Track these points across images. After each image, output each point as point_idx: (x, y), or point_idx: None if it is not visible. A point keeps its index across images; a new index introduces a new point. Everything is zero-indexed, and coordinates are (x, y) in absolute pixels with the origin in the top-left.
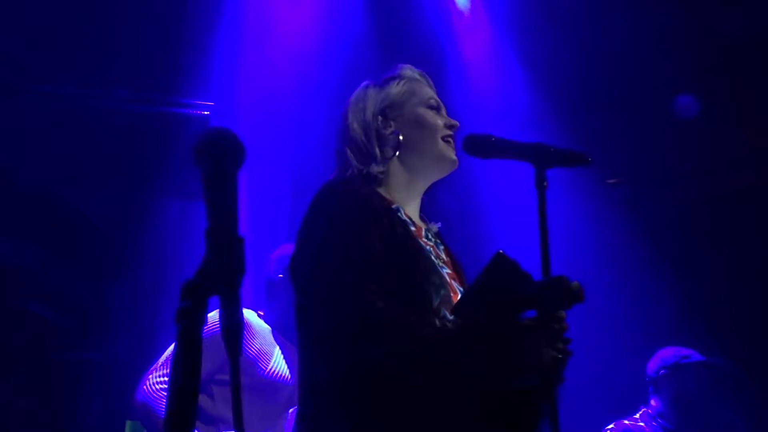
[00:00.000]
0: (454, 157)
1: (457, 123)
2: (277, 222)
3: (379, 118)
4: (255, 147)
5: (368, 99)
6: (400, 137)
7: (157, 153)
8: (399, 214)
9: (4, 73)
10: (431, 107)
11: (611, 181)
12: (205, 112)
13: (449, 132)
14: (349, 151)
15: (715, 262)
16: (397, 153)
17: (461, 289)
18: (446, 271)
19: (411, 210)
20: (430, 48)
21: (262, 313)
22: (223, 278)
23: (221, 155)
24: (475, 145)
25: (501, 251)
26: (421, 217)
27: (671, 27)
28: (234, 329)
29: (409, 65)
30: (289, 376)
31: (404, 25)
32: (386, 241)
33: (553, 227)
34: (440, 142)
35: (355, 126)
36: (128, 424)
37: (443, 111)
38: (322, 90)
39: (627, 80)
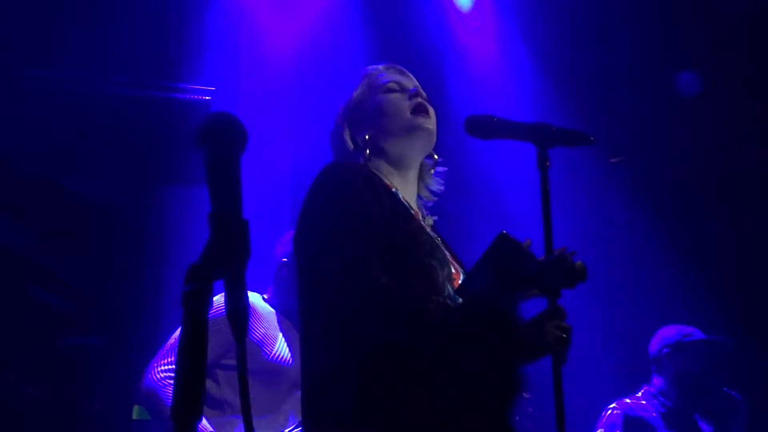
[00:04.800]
0: (422, 123)
1: (422, 92)
2: (279, 206)
3: (347, 130)
4: (256, 131)
5: (340, 117)
6: (366, 137)
7: (159, 138)
8: (398, 196)
9: (5, 59)
10: (390, 90)
11: (614, 159)
12: (207, 98)
13: (415, 101)
14: None
15: (717, 239)
16: (371, 149)
17: (462, 270)
18: (446, 253)
19: (407, 195)
20: (429, 27)
21: (266, 296)
22: (227, 261)
23: (224, 138)
24: (477, 126)
25: (504, 231)
26: (418, 206)
27: (672, 3)
28: (240, 312)
29: (373, 65)
30: (296, 360)
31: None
32: (389, 219)
33: (555, 206)
34: (407, 115)
35: (335, 146)
36: (136, 408)
37: (407, 86)
38: (322, 75)
39: (628, 58)
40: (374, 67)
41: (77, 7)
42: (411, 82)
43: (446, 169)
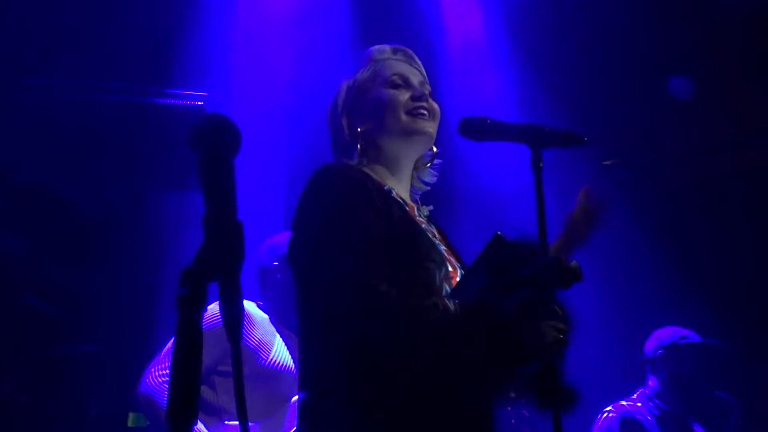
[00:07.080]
0: (422, 128)
1: (425, 91)
2: (273, 210)
3: (346, 116)
4: (250, 135)
5: (340, 97)
6: (359, 129)
7: (153, 144)
8: (392, 194)
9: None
10: (394, 85)
11: (607, 162)
12: (200, 103)
13: (415, 104)
14: (333, 149)
15: (712, 242)
16: (365, 143)
17: (459, 265)
18: (443, 248)
19: (401, 190)
20: (421, 31)
21: (261, 303)
22: (222, 264)
23: (217, 141)
24: (471, 128)
25: (499, 233)
26: (413, 198)
27: (666, 6)
28: (234, 315)
29: (380, 45)
30: (291, 365)
31: (395, 9)
32: (383, 222)
33: (550, 207)
34: (403, 116)
35: (332, 127)
36: (131, 415)
37: (413, 81)
38: (314, 77)
39: (621, 60)
40: (382, 48)
41: (71, 15)
42: (417, 72)
43: (441, 161)
